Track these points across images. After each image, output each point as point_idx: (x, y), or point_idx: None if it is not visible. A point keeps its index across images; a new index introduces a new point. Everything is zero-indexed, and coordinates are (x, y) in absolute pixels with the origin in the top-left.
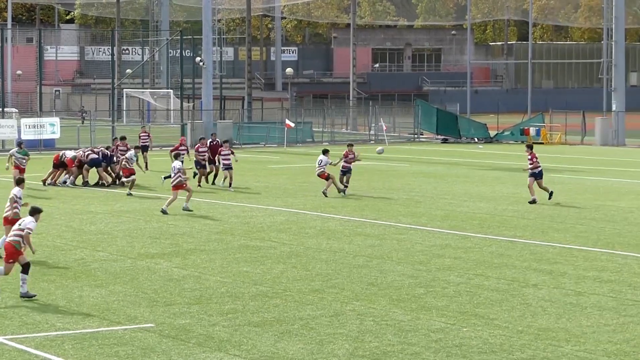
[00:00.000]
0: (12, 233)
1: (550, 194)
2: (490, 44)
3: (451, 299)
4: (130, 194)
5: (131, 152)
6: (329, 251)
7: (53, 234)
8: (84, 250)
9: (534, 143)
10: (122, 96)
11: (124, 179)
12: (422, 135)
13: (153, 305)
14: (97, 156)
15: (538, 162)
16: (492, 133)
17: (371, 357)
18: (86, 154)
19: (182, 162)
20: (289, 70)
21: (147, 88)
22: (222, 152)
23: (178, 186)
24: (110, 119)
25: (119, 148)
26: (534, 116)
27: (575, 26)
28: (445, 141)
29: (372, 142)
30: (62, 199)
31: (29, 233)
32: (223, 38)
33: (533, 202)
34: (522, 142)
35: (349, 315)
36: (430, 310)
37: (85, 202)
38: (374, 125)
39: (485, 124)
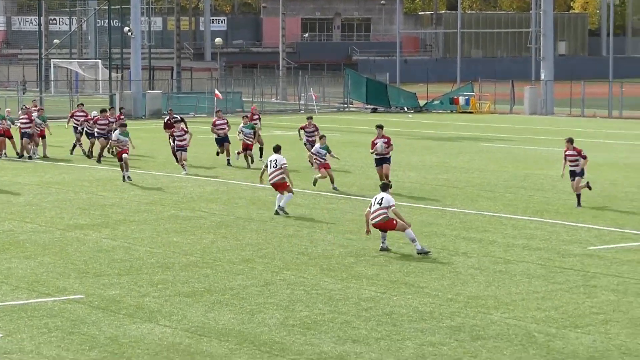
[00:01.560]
0: (377, 213)
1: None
2: (420, 13)
3: (381, 267)
4: (128, 177)
5: (116, 133)
6: (259, 221)
7: None
8: (12, 221)
9: (463, 112)
10: (50, 67)
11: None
12: (352, 104)
13: (82, 276)
14: (29, 129)
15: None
16: (422, 102)
17: (302, 326)
18: (20, 121)
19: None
20: (218, 40)
21: (75, 58)
22: (175, 133)
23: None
24: (38, 89)
25: (99, 122)
26: (463, 85)
27: None
28: (374, 111)
29: (302, 111)
30: None
31: (393, 208)
32: (151, 8)
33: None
34: (452, 111)
35: (280, 284)
36: (360, 279)
37: (14, 173)
38: (303, 95)
39: (415, 94)
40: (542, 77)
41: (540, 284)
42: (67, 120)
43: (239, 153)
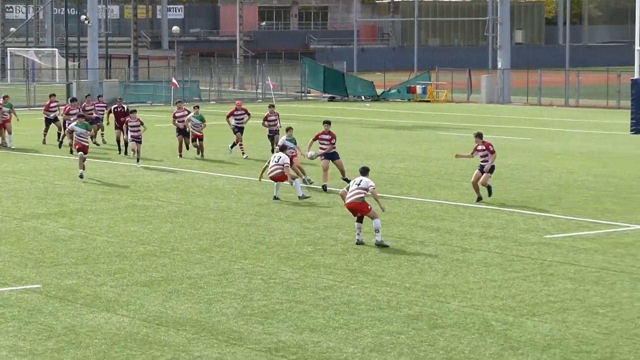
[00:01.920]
0: (353, 192)
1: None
2: (377, 1)
3: (339, 256)
4: (80, 175)
5: (73, 124)
6: (217, 210)
7: None
8: None
9: (421, 101)
10: (6, 55)
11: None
12: (309, 93)
13: (39, 266)
14: None
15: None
16: (379, 91)
17: (260, 315)
18: None
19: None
20: (175, 28)
21: (31, 47)
22: (130, 123)
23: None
24: None
25: (70, 112)
26: (421, 74)
27: None
28: (332, 99)
29: (259, 100)
30: None
31: (372, 188)
32: None
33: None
34: (409, 100)
35: (237, 273)
36: (318, 267)
37: None
38: (261, 83)
39: (372, 82)
40: (499, 65)
41: (497, 273)
42: (44, 114)
43: (232, 147)
